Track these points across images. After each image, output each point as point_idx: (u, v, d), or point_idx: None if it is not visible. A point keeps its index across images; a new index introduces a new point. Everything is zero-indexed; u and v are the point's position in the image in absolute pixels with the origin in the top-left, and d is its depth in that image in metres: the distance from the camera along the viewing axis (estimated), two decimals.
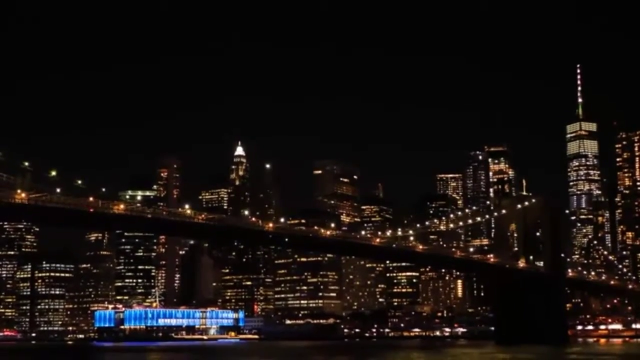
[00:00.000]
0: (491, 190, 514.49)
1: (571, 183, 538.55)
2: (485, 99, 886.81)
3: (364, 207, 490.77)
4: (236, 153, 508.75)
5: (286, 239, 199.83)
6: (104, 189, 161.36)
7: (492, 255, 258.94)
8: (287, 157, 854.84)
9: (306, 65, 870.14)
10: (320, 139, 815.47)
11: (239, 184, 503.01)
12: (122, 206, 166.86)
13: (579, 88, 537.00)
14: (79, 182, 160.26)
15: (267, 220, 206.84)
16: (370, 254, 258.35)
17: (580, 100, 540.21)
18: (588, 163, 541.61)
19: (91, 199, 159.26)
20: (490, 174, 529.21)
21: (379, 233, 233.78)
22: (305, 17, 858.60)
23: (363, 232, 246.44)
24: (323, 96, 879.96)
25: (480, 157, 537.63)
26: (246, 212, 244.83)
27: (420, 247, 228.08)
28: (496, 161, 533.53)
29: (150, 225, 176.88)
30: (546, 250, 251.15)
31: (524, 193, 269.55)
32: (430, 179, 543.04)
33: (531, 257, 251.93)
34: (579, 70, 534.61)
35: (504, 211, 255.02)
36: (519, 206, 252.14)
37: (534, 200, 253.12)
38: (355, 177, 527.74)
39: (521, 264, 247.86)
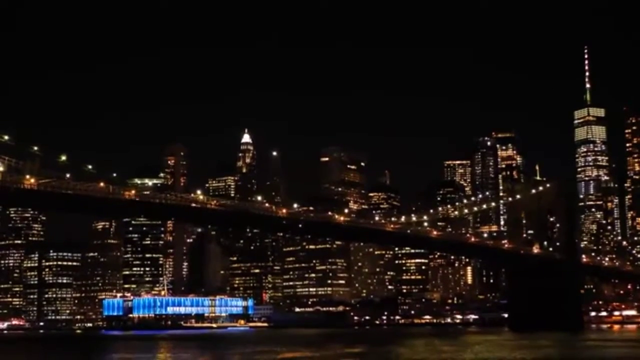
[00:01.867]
0: (500, 176, 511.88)
1: (579, 169, 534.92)
2: (492, 85, 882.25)
3: (371, 195, 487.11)
4: (243, 140, 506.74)
5: (300, 225, 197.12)
6: (115, 174, 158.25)
7: (506, 241, 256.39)
8: (293, 144, 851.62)
9: (314, 59, 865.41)
10: (326, 127, 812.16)
11: (246, 171, 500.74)
12: (133, 192, 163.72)
13: (587, 74, 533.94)
14: (89, 167, 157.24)
15: (280, 207, 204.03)
16: (384, 239, 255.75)
17: (588, 85, 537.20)
18: (596, 149, 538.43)
19: (102, 184, 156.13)
20: (499, 160, 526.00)
21: (393, 219, 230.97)
22: (311, 14, 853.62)
23: (377, 218, 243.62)
24: (330, 86, 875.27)
25: (488, 144, 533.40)
26: (259, 198, 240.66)
27: (435, 233, 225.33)
28: (504, 147, 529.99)
29: (162, 211, 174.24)
30: (560, 236, 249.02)
31: (538, 178, 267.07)
32: (437, 166, 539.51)
33: (545, 243, 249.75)
34: (586, 56, 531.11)
35: (518, 196, 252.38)
36: (534, 191, 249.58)
37: (548, 185, 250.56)
38: (362, 164, 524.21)
39: (535, 249, 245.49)
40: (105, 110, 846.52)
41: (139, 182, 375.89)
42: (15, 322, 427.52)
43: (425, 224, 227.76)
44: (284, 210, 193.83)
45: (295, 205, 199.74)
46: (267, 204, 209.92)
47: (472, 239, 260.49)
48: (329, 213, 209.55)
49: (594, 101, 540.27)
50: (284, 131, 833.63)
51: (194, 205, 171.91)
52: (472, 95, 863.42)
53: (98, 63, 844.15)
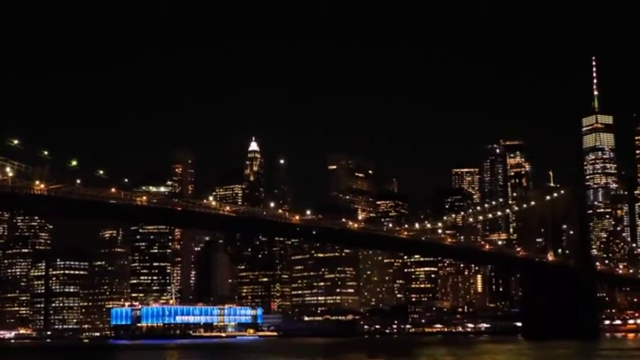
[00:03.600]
0: (509, 184, 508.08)
1: (588, 177, 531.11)
2: (500, 93, 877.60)
3: (379, 203, 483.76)
4: (250, 148, 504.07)
5: (314, 232, 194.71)
6: (126, 180, 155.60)
7: (520, 249, 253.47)
8: (301, 152, 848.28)
9: (321, 62, 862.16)
10: (333, 134, 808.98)
11: (254, 179, 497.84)
12: (145, 198, 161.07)
13: (595, 81, 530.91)
14: (101, 172, 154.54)
15: (294, 213, 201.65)
16: (399, 247, 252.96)
17: (596, 93, 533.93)
18: (605, 156, 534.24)
19: (113, 190, 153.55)
20: (508, 167, 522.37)
21: (406, 226, 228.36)
22: (318, 14, 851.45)
23: (391, 225, 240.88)
24: (337, 92, 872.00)
25: (497, 151, 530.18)
26: (272, 204, 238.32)
27: (449, 240, 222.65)
28: (512, 155, 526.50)
29: (176, 217, 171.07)
30: (574, 243, 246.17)
31: (551, 184, 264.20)
32: (445, 174, 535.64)
33: (559, 250, 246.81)
34: (594, 63, 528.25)
35: (533, 203, 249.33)
36: (547, 198, 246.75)
37: (562, 192, 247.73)
38: (370, 172, 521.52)
39: (550, 257, 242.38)
40: (107, 117, 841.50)
41: (145, 189, 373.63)
42: (22, 331, 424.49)
43: (439, 231, 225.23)
44: (297, 217, 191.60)
45: (308, 212, 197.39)
46: (280, 211, 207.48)
47: (487, 247, 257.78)
48: (343, 220, 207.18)
49: (602, 108, 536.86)
50: (290, 137, 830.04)
51: (207, 211, 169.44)
52: (480, 102, 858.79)
53: (97, 67, 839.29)
